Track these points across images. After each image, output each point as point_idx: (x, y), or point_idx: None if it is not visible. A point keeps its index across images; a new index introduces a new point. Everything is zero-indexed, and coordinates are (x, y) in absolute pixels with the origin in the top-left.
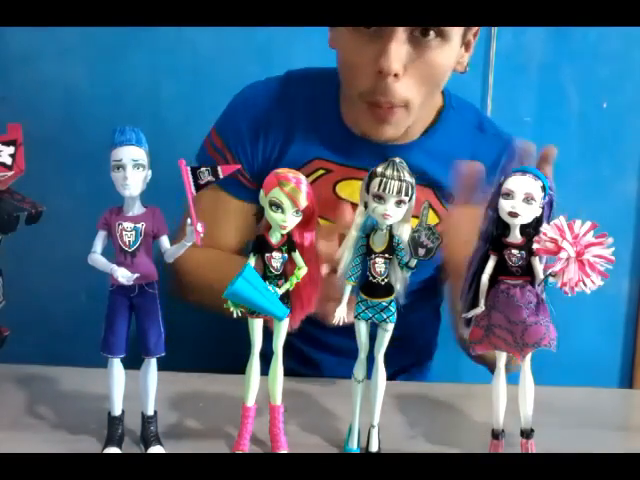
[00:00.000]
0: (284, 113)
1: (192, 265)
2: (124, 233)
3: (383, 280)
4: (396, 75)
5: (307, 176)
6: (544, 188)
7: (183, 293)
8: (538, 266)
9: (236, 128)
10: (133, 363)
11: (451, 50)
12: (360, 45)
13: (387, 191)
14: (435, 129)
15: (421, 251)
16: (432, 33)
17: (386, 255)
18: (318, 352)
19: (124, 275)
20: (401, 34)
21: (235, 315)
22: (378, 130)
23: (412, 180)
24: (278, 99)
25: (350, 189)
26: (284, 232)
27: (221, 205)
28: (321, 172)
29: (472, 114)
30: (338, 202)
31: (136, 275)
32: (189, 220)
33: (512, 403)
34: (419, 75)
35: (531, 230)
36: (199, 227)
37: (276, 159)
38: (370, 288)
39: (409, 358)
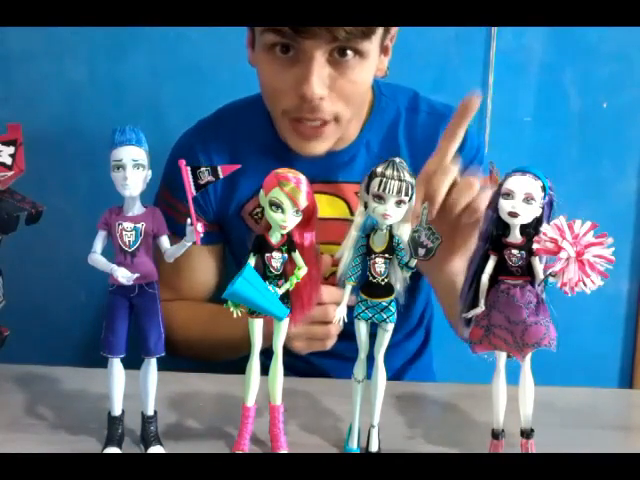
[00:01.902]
0: (223, 152)
1: (179, 323)
2: (124, 233)
3: (383, 280)
4: (321, 98)
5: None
6: (544, 188)
7: (173, 349)
8: (538, 266)
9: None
10: (133, 363)
11: (370, 65)
12: (279, 70)
13: (387, 191)
14: (370, 123)
15: (421, 251)
16: (350, 53)
17: (386, 255)
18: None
19: (124, 275)
20: (320, 57)
21: (235, 315)
22: (309, 147)
23: (412, 180)
24: (215, 139)
25: None
26: (284, 232)
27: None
28: None
29: (404, 97)
30: None
31: (136, 275)
32: (189, 220)
33: (512, 403)
34: (343, 93)
35: (531, 230)
36: (199, 227)
37: (227, 197)
38: (370, 288)
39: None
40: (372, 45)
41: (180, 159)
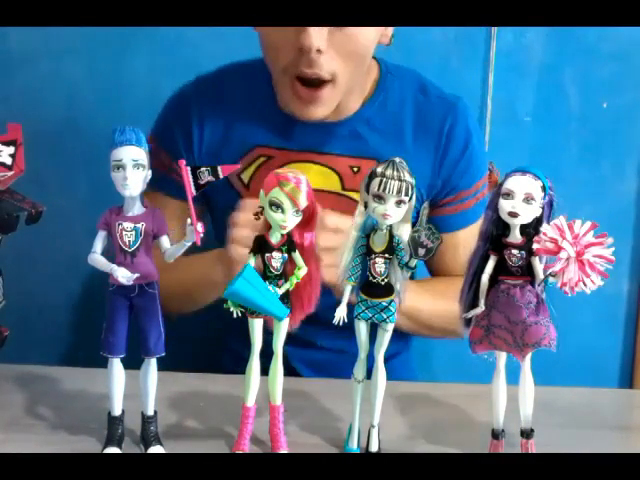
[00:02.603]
0: (218, 110)
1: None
2: (124, 233)
3: (383, 280)
4: (319, 51)
5: (249, 165)
6: (544, 188)
7: None
8: (538, 266)
9: (170, 130)
10: (133, 363)
11: None
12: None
13: (387, 191)
14: (374, 99)
15: (421, 251)
16: None
17: (386, 255)
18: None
19: (124, 275)
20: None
21: (235, 315)
22: (307, 111)
23: (412, 180)
24: (212, 97)
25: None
26: (284, 232)
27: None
28: (262, 160)
29: (413, 79)
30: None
31: (136, 275)
32: (189, 220)
33: (512, 403)
34: (342, 49)
35: (531, 230)
36: (199, 227)
37: (215, 154)
38: (370, 288)
39: None
40: None
41: (172, 112)
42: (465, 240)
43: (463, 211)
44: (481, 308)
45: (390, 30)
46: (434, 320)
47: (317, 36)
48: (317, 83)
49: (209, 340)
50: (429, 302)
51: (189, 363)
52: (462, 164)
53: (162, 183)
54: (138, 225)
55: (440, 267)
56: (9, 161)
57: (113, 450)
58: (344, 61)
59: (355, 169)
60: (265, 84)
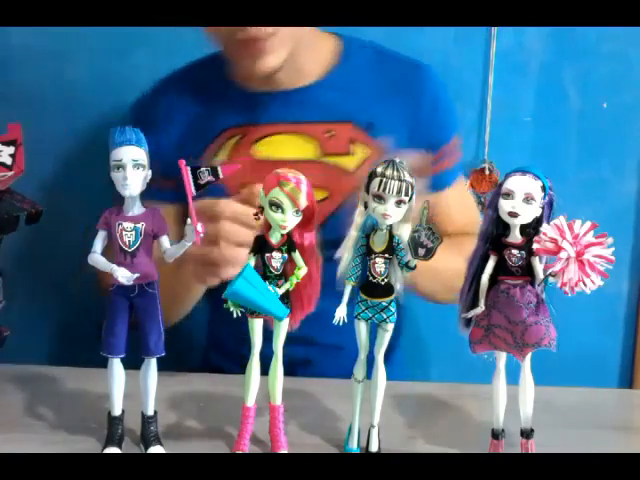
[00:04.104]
0: (180, 104)
1: None
2: (124, 233)
3: (383, 280)
4: None
5: (221, 148)
6: (544, 188)
7: None
8: (538, 266)
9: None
10: (133, 363)
11: None
12: None
13: (387, 191)
14: (340, 66)
15: (421, 251)
16: None
17: (386, 255)
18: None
19: (124, 275)
20: None
21: (235, 315)
22: (260, 64)
23: (412, 180)
24: (172, 95)
25: (269, 147)
26: (284, 232)
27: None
28: (235, 139)
29: (374, 45)
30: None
31: (136, 275)
32: (189, 220)
33: (512, 403)
34: None
35: (531, 230)
36: (199, 227)
37: (184, 145)
38: (370, 288)
39: None
40: None
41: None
42: (452, 199)
43: (445, 170)
44: (481, 308)
45: None
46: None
47: None
48: (260, 37)
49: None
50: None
51: (190, 363)
52: (438, 114)
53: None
54: (138, 225)
55: None
56: (9, 161)
57: (113, 450)
58: None
59: (330, 134)
60: (219, 67)
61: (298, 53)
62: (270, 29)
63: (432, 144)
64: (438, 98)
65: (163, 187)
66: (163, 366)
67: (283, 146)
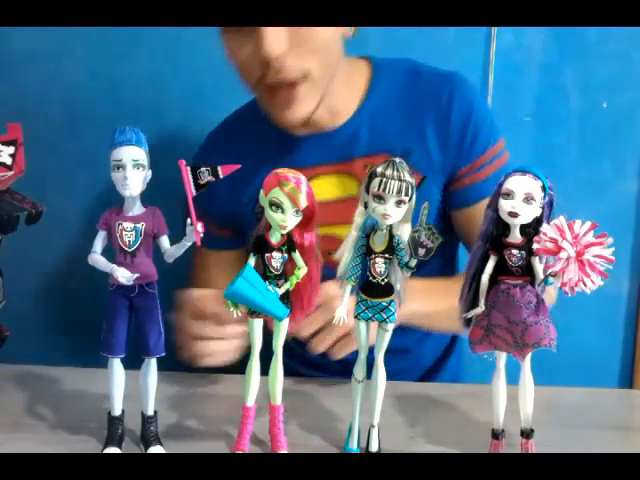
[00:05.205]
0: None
1: None
2: (124, 233)
3: (383, 280)
4: (280, 56)
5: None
6: (544, 188)
7: None
8: (538, 266)
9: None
10: (133, 363)
11: None
12: (241, 43)
13: (387, 191)
14: (369, 96)
15: (421, 251)
16: None
17: (386, 255)
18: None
19: (124, 275)
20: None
21: (235, 315)
22: (290, 113)
23: (412, 180)
24: (221, 149)
25: (318, 188)
26: (284, 232)
27: (202, 261)
28: None
29: (404, 65)
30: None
31: (136, 275)
32: (189, 220)
33: (512, 403)
34: (305, 46)
35: (531, 230)
36: (199, 227)
37: (236, 200)
38: (370, 288)
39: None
40: None
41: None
42: None
43: (484, 179)
44: (481, 308)
45: None
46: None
47: (274, 42)
48: (291, 84)
49: None
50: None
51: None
52: (470, 130)
53: (209, 241)
54: (138, 225)
55: (472, 241)
56: (9, 161)
57: (113, 450)
58: (310, 57)
59: (368, 167)
60: (262, 117)
61: (332, 91)
62: (299, 74)
63: (469, 156)
64: (472, 109)
65: (218, 235)
66: (163, 366)
67: (326, 187)
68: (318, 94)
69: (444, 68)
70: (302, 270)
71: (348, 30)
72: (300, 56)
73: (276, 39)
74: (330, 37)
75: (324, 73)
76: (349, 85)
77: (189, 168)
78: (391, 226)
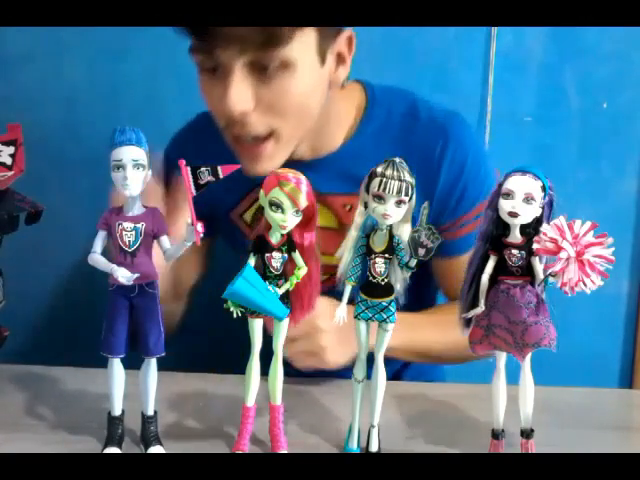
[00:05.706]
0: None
1: None
2: (124, 233)
3: (383, 280)
4: (244, 113)
5: (250, 205)
6: (544, 188)
7: None
8: (538, 266)
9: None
10: (133, 363)
11: (303, 75)
12: (210, 89)
13: (387, 191)
14: (360, 131)
15: (421, 251)
16: (271, 65)
17: (386, 255)
18: None
19: (124, 275)
20: (238, 70)
21: (235, 315)
22: (253, 167)
23: (412, 180)
24: (198, 148)
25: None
26: (284, 232)
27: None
28: (258, 204)
29: (401, 102)
30: None
31: (136, 275)
32: (189, 220)
33: (512, 403)
34: (273, 106)
35: (531, 230)
36: (199, 227)
37: (219, 198)
38: (370, 288)
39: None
40: (298, 53)
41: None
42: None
43: (464, 236)
44: (481, 308)
45: (342, 73)
46: (446, 353)
47: (238, 100)
48: (257, 140)
49: (209, 340)
50: (440, 336)
51: (190, 363)
52: (458, 188)
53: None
54: (138, 225)
55: (447, 291)
56: (9, 161)
57: (113, 450)
58: (279, 117)
59: (348, 207)
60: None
61: (316, 130)
62: (264, 132)
63: (453, 213)
64: (464, 167)
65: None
66: (163, 366)
67: None
68: (288, 150)
69: (440, 100)
70: (302, 270)
71: (336, 84)
72: (266, 116)
73: (240, 97)
74: (306, 100)
75: (293, 133)
76: (338, 122)
77: (189, 168)
78: (391, 226)
